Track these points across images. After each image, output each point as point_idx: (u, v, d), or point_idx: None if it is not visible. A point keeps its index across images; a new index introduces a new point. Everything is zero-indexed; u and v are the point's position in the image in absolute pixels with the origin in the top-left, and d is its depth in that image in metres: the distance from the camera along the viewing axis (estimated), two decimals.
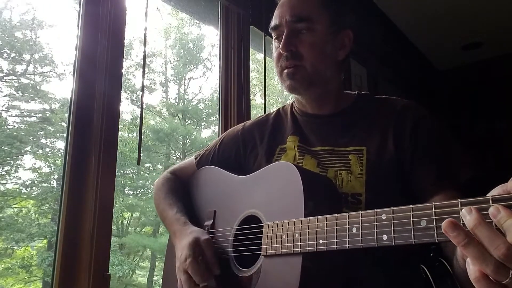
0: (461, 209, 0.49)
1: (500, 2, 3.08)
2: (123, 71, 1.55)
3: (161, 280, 1.14)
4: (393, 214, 0.58)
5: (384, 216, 0.59)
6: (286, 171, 0.82)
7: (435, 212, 0.52)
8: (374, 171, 0.89)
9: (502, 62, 3.89)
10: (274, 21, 1.01)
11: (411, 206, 0.56)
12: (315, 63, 0.95)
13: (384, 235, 0.58)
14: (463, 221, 0.47)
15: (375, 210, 0.61)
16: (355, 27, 1.03)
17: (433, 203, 0.53)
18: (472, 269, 0.46)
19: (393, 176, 0.88)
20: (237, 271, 0.87)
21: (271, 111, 1.18)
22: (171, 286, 1.09)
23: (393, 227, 0.57)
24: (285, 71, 0.97)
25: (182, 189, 1.15)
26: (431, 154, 0.87)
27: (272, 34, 1.03)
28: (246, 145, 1.12)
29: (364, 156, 0.91)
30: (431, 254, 0.84)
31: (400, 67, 3.73)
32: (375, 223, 0.60)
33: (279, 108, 1.16)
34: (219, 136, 1.26)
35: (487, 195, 0.49)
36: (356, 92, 1.07)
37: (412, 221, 0.55)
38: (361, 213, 0.62)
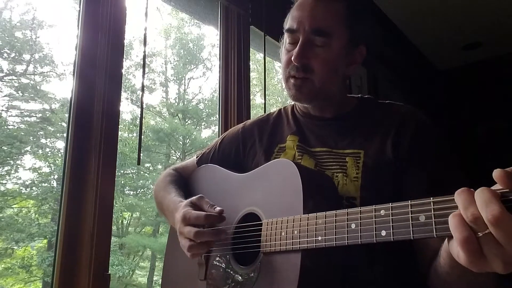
0: None
1: (500, 2, 3.08)
2: (123, 71, 1.55)
3: (161, 280, 1.14)
4: (391, 210, 0.58)
5: (383, 212, 0.60)
6: (285, 168, 0.82)
7: (433, 208, 0.53)
8: (370, 175, 0.88)
9: (502, 62, 3.89)
10: (290, 23, 0.97)
11: (409, 202, 0.56)
12: (324, 79, 0.94)
13: (383, 231, 0.58)
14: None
15: (373, 206, 0.61)
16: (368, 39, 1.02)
17: (431, 198, 0.54)
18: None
19: (388, 181, 0.87)
20: (236, 269, 0.87)
21: (272, 110, 1.18)
22: (170, 285, 1.09)
23: (392, 223, 0.58)
24: (292, 80, 0.95)
25: (184, 183, 1.15)
26: (427, 164, 0.86)
27: (285, 35, 1.00)
28: (245, 143, 1.12)
29: (361, 159, 0.90)
30: None
31: (400, 67, 3.73)
32: (373, 219, 0.60)
33: (281, 108, 1.16)
34: (219, 136, 1.26)
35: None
36: (359, 95, 1.07)
37: (411, 216, 0.55)
38: (360, 210, 0.63)
